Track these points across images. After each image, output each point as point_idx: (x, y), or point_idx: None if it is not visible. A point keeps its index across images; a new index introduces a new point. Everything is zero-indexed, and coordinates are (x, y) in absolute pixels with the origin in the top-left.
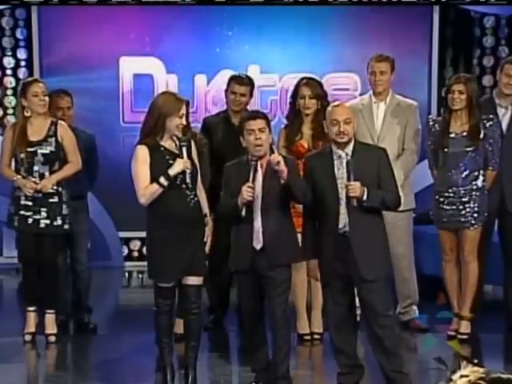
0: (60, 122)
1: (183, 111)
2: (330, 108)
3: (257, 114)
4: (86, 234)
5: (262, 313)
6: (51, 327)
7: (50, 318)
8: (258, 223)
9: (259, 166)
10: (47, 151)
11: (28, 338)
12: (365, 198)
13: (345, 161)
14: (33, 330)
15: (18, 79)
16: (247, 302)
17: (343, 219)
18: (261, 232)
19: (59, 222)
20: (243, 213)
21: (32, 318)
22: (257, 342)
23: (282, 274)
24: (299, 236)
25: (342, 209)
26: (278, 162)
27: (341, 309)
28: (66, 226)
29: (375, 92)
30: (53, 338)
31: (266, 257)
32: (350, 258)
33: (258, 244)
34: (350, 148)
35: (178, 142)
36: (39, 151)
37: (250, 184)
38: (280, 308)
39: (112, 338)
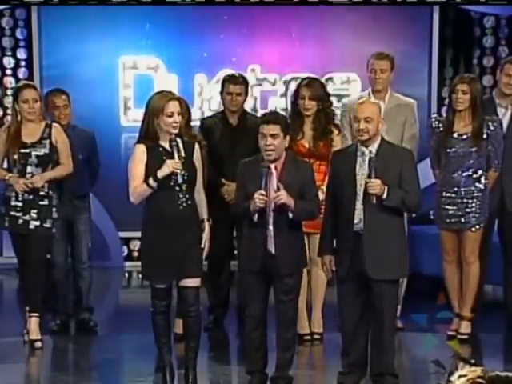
0: (54, 124)
1: (172, 109)
2: (355, 103)
3: (272, 119)
4: (87, 233)
5: (265, 317)
6: (35, 333)
7: (34, 321)
8: (271, 227)
9: (273, 169)
10: (41, 153)
11: (28, 338)
12: (384, 196)
13: (367, 158)
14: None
15: (18, 79)
16: (252, 304)
17: (358, 215)
18: (273, 237)
19: (49, 224)
20: (255, 218)
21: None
22: (257, 344)
23: (295, 280)
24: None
25: (358, 205)
26: (281, 200)
27: (355, 310)
28: (54, 230)
29: (374, 90)
30: (39, 344)
31: (278, 263)
32: (363, 255)
33: (272, 248)
34: (375, 146)
35: (169, 142)
36: (33, 153)
37: (262, 192)
38: (290, 313)
39: (112, 337)
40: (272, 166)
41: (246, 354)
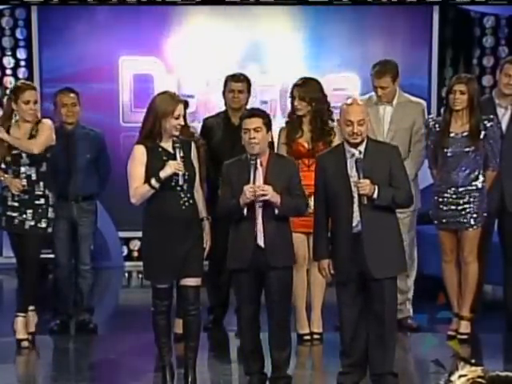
0: (43, 120)
1: (179, 112)
2: (344, 106)
3: (253, 113)
4: (90, 236)
5: (258, 318)
6: (22, 333)
7: (21, 321)
8: (259, 221)
9: (259, 164)
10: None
11: (28, 338)
12: (375, 196)
13: (354, 158)
14: (32, 329)
15: (17, 79)
16: (244, 303)
17: (356, 218)
18: (262, 231)
19: (44, 224)
20: (245, 212)
21: (31, 318)
22: (252, 345)
23: (284, 276)
24: (301, 236)
25: (356, 207)
26: (265, 196)
27: (354, 311)
28: (50, 230)
29: (380, 100)
30: (26, 343)
31: (267, 255)
32: (363, 256)
33: (261, 241)
34: (362, 146)
35: (172, 144)
36: (23, 153)
37: (252, 185)
38: (283, 312)
39: (112, 338)
40: (258, 160)
41: (242, 356)
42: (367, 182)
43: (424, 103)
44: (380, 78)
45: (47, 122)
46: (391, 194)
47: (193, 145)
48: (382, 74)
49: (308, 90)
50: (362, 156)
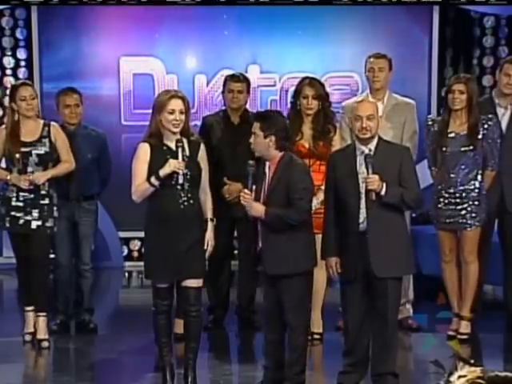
0: (52, 123)
1: (173, 107)
2: (354, 103)
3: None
4: (90, 236)
5: (281, 319)
6: (43, 332)
7: (42, 320)
8: (259, 227)
9: (267, 168)
10: (42, 152)
11: (28, 338)
12: (383, 192)
13: (364, 155)
14: (32, 329)
15: (17, 79)
16: (264, 300)
17: (363, 214)
18: (260, 236)
19: (50, 223)
20: (250, 217)
21: (31, 317)
22: (271, 345)
23: (293, 285)
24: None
25: (362, 204)
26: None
27: (359, 311)
28: (56, 229)
29: (373, 89)
30: (46, 344)
31: (264, 263)
32: (368, 254)
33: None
34: (373, 144)
35: (175, 142)
36: (34, 152)
37: (246, 190)
38: (295, 317)
39: (112, 338)
40: (267, 164)
41: (264, 352)
42: (376, 177)
43: (413, 102)
44: (379, 59)
45: (59, 128)
46: (399, 192)
47: (202, 146)
48: (380, 56)
49: (318, 88)
50: (371, 153)
